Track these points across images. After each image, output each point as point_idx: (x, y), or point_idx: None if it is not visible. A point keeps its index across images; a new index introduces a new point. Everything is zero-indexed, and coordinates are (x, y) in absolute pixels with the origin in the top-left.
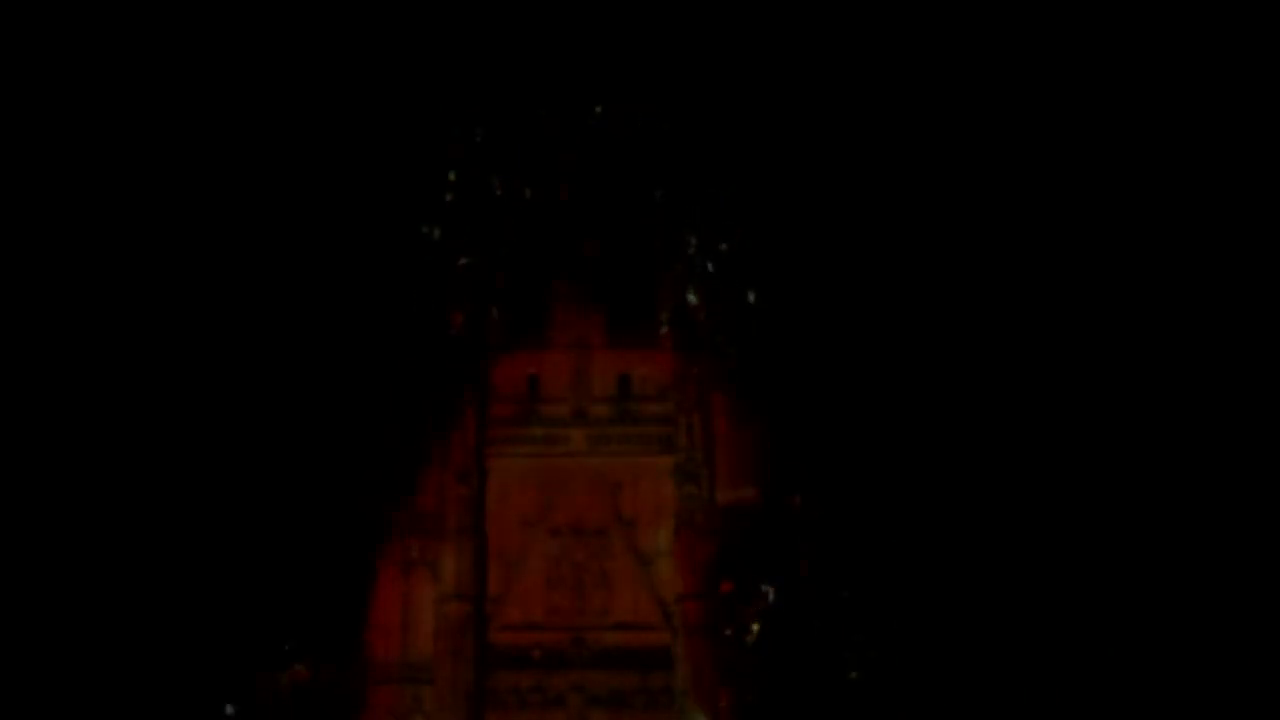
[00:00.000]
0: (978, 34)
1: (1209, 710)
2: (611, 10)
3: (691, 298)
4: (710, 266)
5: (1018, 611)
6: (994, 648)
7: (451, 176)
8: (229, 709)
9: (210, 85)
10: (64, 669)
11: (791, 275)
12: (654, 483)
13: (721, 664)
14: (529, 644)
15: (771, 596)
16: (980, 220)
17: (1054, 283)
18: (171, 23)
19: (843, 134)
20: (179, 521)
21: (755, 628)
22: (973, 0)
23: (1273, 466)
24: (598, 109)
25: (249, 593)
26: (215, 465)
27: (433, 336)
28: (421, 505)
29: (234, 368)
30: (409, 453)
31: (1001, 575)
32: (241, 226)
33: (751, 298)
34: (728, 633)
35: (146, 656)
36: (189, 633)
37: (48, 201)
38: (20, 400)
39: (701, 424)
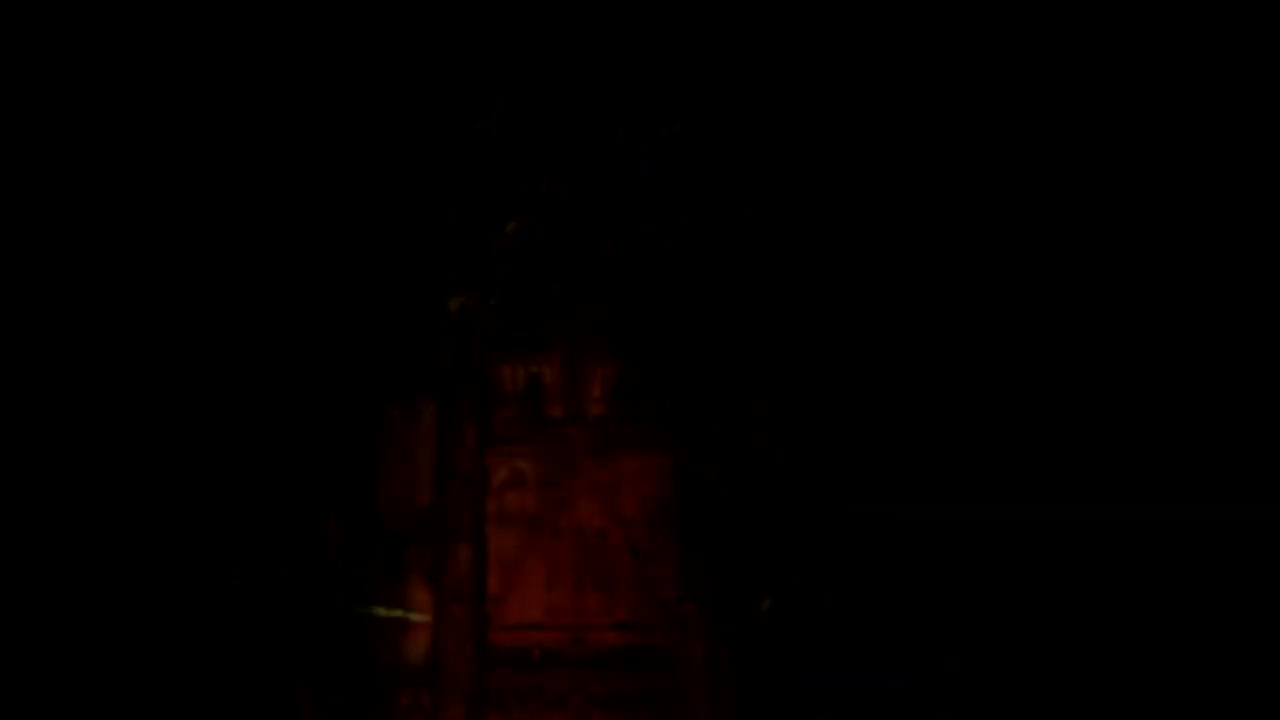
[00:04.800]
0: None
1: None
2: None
3: (690, 297)
4: (710, 266)
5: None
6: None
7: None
8: None
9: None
10: None
11: (793, 275)
12: (654, 483)
13: (721, 664)
14: (529, 644)
15: (771, 596)
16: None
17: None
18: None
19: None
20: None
21: (756, 627)
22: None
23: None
24: (601, 109)
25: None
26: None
27: (432, 336)
28: (421, 506)
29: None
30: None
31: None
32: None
33: (751, 297)
34: (728, 633)
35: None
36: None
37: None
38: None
39: (702, 424)
